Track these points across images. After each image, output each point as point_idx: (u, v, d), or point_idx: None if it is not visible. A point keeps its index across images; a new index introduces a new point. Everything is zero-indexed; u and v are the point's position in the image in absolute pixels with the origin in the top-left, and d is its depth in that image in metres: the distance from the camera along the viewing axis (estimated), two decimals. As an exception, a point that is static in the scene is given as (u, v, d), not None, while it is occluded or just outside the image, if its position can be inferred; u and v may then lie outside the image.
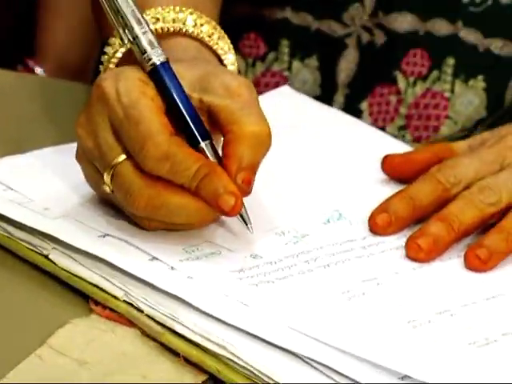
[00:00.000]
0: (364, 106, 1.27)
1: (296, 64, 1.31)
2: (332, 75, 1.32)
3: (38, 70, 1.34)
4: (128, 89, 0.88)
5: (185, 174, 0.86)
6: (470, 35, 1.23)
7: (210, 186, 0.85)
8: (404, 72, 1.28)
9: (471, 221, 0.94)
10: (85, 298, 0.87)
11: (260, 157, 0.88)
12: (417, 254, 0.91)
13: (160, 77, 0.89)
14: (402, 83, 1.28)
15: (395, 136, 1.17)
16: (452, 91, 1.25)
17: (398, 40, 1.26)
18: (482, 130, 1.18)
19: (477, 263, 0.91)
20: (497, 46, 1.24)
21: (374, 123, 1.24)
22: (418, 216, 0.96)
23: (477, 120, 1.21)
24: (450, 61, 1.25)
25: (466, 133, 1.18)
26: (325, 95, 1.27)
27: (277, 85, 1.25)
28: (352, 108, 1.24)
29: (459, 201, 0.94)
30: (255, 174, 0.88)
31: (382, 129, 1.22)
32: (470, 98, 1.24)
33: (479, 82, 1.26)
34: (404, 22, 1.26)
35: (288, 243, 0.91)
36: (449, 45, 1.25)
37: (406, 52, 1.26)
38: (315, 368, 0.79)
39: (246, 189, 0.87)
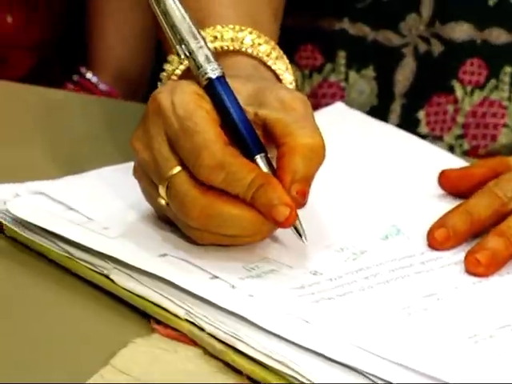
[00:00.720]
0: (421, 115, 1.27)
1: (353, 75, 1.31)
2: (389, 85, 1.32)
3: (97, 82, 1.34)
4: (183, 101, 0.89)
5: (239, 184, 0.87)
6: None
7: (265, 197, 0.86)
8: (461, 81, 1.28)
9: None
10: (146, 318, 0.87)
11: (314, 169, 0.89)
12: (476, 268, 0.91)
13: (216, 91, 0.90)
14: (459, 92, 1.28)
15: (453, 145, 1.19)
16: (510, 99, 1.25)
17: (455, 49, 1.26)
18: None
19: (481, 269, 0.92)
20: None
21: (432, 132, 1.24)
22: (475, 230, 0.95)
23: None
24: (508, 69, 1.25)
25: None
26: (382, 105, 1.28)
27: (334, 96, 1.26)
28: (409, 117, 1.25)
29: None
30: (310, 185, 0.88)
31: (440, 138, 1.23)
32: None
33: None
34: (461, 31, 1.26)
35: (347, 260, 0.91)
36: (506, 53, 1.25)
37: (463, 61, 1.26)
38: None
39: (300, 200, 0.87)
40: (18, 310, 0.89)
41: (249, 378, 0.82)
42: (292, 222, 0.86)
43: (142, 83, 1.20)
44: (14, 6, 1.31)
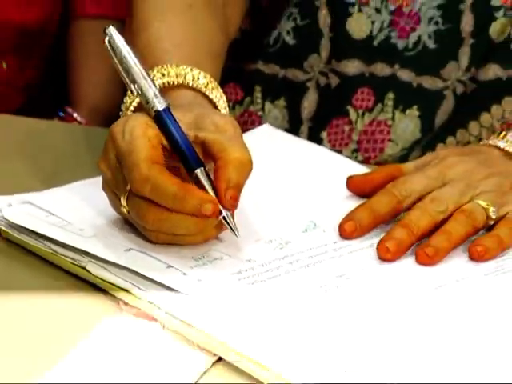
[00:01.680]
0: (324, 135, 1.26)
1: (268, 105, 1.31)
2: (297, 112, 1.31)
3: (78, 117, 1.32)
4: (131, 129, 0.87)
5: (164, 195, 0.85)
6: (405, 74, 1.22)
7: (191, 202, 0.84)
8: (354, 106, 1.28)
9: (427, 226, 0.92)
10: (115, 300, 0.85)
11: (244, 178, 0.88)
12: (385, 254, 0.90)
13: (162, 120, 0.88)
14: (353, 115, 1.27)
15: (350, 157, 1.18)
16: (393, 119, 1.24)
17: (349, 81, 1.25)
18: (418, 149, 1.19)
19: (425, 259, 0.90)
20: (427, 81, 1.22)
21: (333, 148, 1.23)
22: (377, 223, 0.94)
23: (413, 141, 1.20)
24: (391, 95, 1.24)
25: (405, 152, 1.19)
26: (292, 128, 1.27)
27: (253, 123, 1.26)
28: (314, 137, 1.25)
29: (416, 210, 0.93)
30: (240, 191, 0.87)
31: (339, 152, 1.22)
32: (407, 124, 1.22)
33: (414, 111, 1.24)
34: (352, 66, 1.25)
35: (275, 249, 0.91)
36: (389, 83, 1.24)
37: (355, 90, 1.25)
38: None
39: (233, 203, 0.86)
40: (14, 293, 0.86)
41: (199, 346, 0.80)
42: (217, 213, 0.85)
43: (112, 115, 1.18)
44: (10, 54, 1.29)
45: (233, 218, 0.88)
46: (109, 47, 0.91)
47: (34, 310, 0.86)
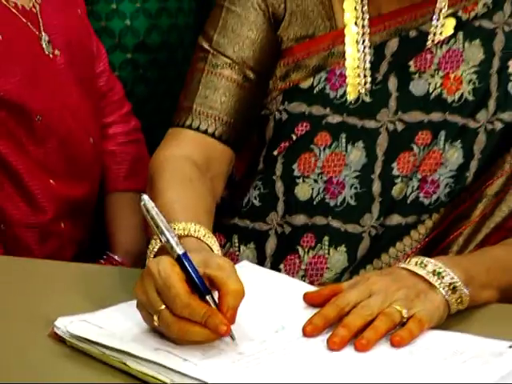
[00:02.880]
0: (281, 266, 1.19)
1: (242, 248, 1.22)
2: (263, 252, 1.22)
3: (116, 258, 1.33)
4: (164, 268, 0.86)
5: (197, 315, 0.85)
6: (336, 223, 1.19)
7: (213, 322, 0.84)
8: (302, 246, 1.20)
9: (360, 325, 0.90)
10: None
11: (239, 302, 0.87)
12: (333, 346, 0.88)
13: (182, 261, 0.87)
14: (301, 252, 1.20)
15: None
16: (328, 254, 1.18)
17: (296, 230, 1.20)
18: (346, 274, 1.15)
19: (361, 347, 0.88)
20: (351, 227, 1.17)
21: (288, 275, 1.17)
22: (327, 325, 0.92)
23: (343, 268, 1.15)
24: (326, 238, 1.19)
25: (338, 276, 1.14)
26: (260, 263, 1.21)
27: (232, 260, 1.16)
28: (275, 268, 1.18)
29: (352, 315, 0.91)
30: (236, 311, 0.86)
31: (292, 277, 1.17)
32: (338, 257, 1.17)
33: (343, 248, 1.18)
34: (300, 219, 1.19)
35: (256, 345, 0.89)
36: (325, 230, 1.19)
37: (301, 237, 1.19)
38: None
39: (232, 320, 0.85)
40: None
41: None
42: (228, 333, 0.85)
43: (142, 256, 1.19)
44: (66, 217, 1.27)
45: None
46: (144, 209, 0.91)
47: None
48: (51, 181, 1.21)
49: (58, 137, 1.21)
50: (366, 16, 1.16)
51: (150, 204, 0.90)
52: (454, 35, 1.16)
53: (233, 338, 0.86)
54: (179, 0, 1.52)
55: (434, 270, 0.97)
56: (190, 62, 1.19)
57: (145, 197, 0.91)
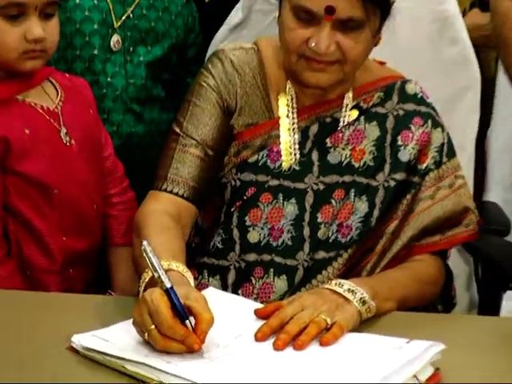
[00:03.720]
0: (240, 292, 1.15)
1: (211, 279, 1.17)
2: (225, 282, 1.17)
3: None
4: (156, 297, 0.85)
5: (178, 335, 0.84)
6: (278, 259, 1.16)
7: (188, 341, 0.83)
8: (254, 277, 1.16)
9: (297, 331, 0.89)
10: (140, 381, 0.83)
11: (209, 328, 0.85)
12: (278, 346, 0.88)
13: (169, 293, 0.86)
14: (254, 281, 1.16)
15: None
16: (273, 282, 1.15)
17: (250, 264, 1.17)
18: (287, 295, 1.11)
19: (298, 346, 0.88)
20: (288, 261, 1.16)
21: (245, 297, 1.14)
22: (272, 333, 0.91)
23: (285, 291, 1.12)
24: (271, 271, 1.16)
25: (282, 297, 1.11)
26: (223, 290, 1.16)
27: (202, 286, 1.13)
28: (235, 293, 1.15)
29: (290, 324, 0.90)
30: (207, 334, 0.85)
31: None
32: (280, 284, 1.14)
33: (284, 276, 1.15)
34: (252, 257, 1.16)
35: (221, 349, 0.88)
36: (270, 264, 1.16)
37: (253, 269, 1.17)
38: None
39: (203, 340, 0.84)
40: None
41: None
42: (200, 350, 0.84)
43: (133, 293, 1.10)
44: (74, 266, 1.24)
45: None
46: (144, 253, 0.88)
47: None
48: (64, 238, 1.19)
49: (70, 205, 1.19)
50: (295, 110, 1.16)
51: (149, 248, 0.88)
52: (357, 119, 1.17)
53: (203, 350, 0.85)
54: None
55: (349, 289, 0.98)
56: (164, 143, 1.17)
57: (145, 243, 0.89)
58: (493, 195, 1.73)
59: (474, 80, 1.40)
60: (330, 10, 1.02)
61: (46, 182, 1.15)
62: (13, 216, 1.15)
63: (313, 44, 1.05)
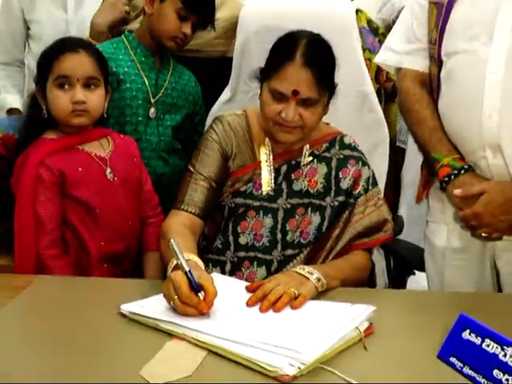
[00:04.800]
0: (234, 277, 1.11)
1: (213, 270, 1.13)
2: (223, 271, 1.14)
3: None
4: (178, 277, 0.86)
5: (193, 303, 0.84)
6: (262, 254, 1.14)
7: (200, 307, 0.84)
8: (244, 268, 1.14)
9: (274, 299, 0.90)
10: (170, 335, 0.82)
11: (215, 297, 0.85)
12: (263, 309, 0.89)
13: (187, 274, 0.86)
14: (243, 269, 1.14)
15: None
16: (257, 272, 1.13)
17: (241, 258, 1.14)
18: (267, 279, 1.00)
19: (276, 309, 0.88)
20: (267, 256, 1.14)
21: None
22: (258, 301, 0.91)
23: (265, 277, 1.08)
24: (255, 263, 1.14)
25: (263, 279, 1.03)
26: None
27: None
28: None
29: (270, 295, 0.91)
30: (213, 302, 0.85)
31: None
32: (262, 272, 1.11)
33: (264, 266, 1.13)
34: (244, 255, 1.14)
35: (222, 313, 0.86)
36: (248, 257, 1.14)
37: (243, 262, 1.14)
38: None
39: (210, 306, 0.84)
40: (137, 336, 0.83)
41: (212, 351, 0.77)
42: (208, 312, 0.84)
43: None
44: (109, 263, 1.18)
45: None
46: (171, 247, 0.89)
47: (140, 338, 0.83)
48: (102, 243, 1.16)
49: (108, 221, 1.16)
50: (271, 156, 1.16)
51: (175, 243, 0.89)
52: (312, 161, 1.17)
53: (209, 315, 0.85)
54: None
55: (309, 271, 1.00)
56: (182, 178, 1.17)
57: (172, 240, 0.90)
58: (402, 211, 1.77)
59: (384, 137, 1.38)
60: (295, 93, 1.06)
61: (92, 204, 1.15)
62: (68, 226, 1.15)
63: (283, 115, 1.08)
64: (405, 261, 1.31)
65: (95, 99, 1.14)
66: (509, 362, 0.64)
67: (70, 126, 1.15)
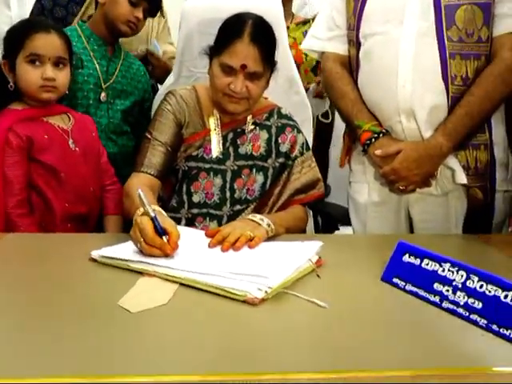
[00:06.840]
0: (199, 227, 1.11)
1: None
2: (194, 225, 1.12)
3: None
4: (144, 221, 0.85)
5: (157, 244, 0.82)
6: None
7: (164, 248, 0.82)
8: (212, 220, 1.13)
9: (233, 241, 0.89)
10: (140, 273, 0.80)
11: (178, 239, 0.83)
12: (224, 248, 0.87)
13: (153, 219, 0.84)
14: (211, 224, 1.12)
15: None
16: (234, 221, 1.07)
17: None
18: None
19: (235, 248, 0.87)
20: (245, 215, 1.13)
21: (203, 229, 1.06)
22: (219, 243, 0.89)
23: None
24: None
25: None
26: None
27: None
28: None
29: (229, 236, 0.90)
30: (177, 244, 0.83)
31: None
32: (213, 226, 1.09)
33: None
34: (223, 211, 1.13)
35: (184, 253, 0.84)
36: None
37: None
38: None
39: (175, 248, 0.82)
40: (109, 274, 0.80)
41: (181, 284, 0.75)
42: (172, 254, 0.82)
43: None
44: (75, 222, 1.16)
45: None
46: (138, 196, 0.88)
47: (112, 278, 0.79)
48: (66, 204, 1.15)
49: (72, 184, 1.15)
50: (219, 125, 1.15)
51: (142, 193, 0.88)
52: (255, 128, 1.16)
53: (173, 256, 0.83)
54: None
55: (261, 218, 1.00)
56: (140, 145, 1.14)
57: (139, 190, 0.89)
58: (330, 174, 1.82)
59: (308, 117, 1.40)
60: (243, 66, 1.07)
61: (57, 168, 1.13)
62: (34, 189, 1.13)
63: (232, 87, 1.08)
64: (331, 216, 1.35)
65: (63, 77, 1.14)
66: (447, 275, 0.65)
67: (38, 100, 1.14)
